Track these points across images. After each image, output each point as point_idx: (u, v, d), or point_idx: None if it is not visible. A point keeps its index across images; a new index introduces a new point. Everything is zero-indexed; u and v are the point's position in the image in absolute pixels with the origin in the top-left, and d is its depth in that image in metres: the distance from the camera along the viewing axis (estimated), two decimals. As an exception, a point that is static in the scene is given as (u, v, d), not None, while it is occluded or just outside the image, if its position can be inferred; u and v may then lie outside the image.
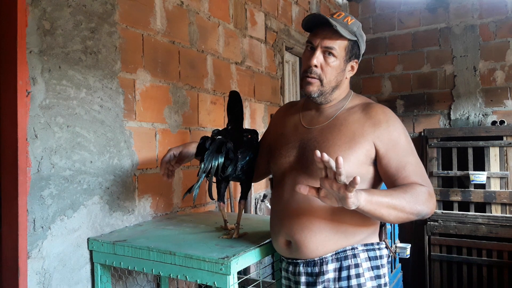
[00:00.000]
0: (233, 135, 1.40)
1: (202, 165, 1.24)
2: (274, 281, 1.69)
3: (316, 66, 1.24)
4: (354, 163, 1.19)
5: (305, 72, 1.26)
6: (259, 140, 1.50)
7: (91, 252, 1.48)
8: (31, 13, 1.31)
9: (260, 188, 2.73)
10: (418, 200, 1.10)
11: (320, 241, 1.21)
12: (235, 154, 1.32)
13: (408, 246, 2.97)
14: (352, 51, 1.27)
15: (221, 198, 1.45)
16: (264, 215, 2.67)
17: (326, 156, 0.92)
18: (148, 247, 1.33)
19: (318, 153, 0.93)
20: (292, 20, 3.16)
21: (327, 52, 1.23)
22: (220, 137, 1.33)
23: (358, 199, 0.99)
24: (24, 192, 1.28)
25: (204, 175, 1.24)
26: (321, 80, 1.25)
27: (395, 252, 2.92)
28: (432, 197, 1.14)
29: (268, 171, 1.52)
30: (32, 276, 1.30)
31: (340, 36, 1.21)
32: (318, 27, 1.25)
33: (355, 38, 1.25)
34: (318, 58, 1.23)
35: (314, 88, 1.26)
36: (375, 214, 1.06)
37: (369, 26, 4.03)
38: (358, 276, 1.21)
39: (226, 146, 1.30)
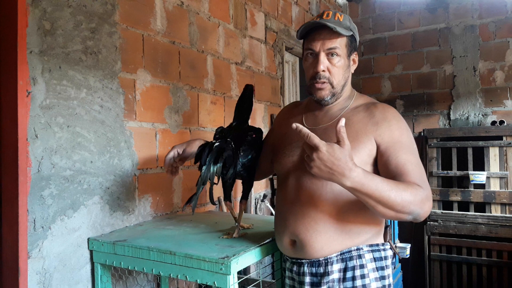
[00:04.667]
0: (236, 133, 1.40)
1: (200, 178, 1.23)
2: (274, 281, 1.69)
3: (323, 70, 1.24)
4: (357, 163, 1.18)
5: (313, 79, 1.26)
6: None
7: (91, 252, 1.49)
8: (31, 13, 1.31)
9: (260, 188, 2.74)
10: (415, 199, 1.06)
11: (325, 240, 1.21)
12: (235, 158, 1.32)
13: (408, 246, 2.97)
14: (352, 45, 1.28)
15: (227, 197, 1.45)
16: (264, 215, 2.67)
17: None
18: (148, 247, 1.34)
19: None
20: (292, 21, 3.16)
21: (330, 53, 1.23)
22: (218, 143, 1.30)
23: (351, 171, 0.98)
24: (25, 192, 1.28)
25: (203, 186, 1.24)
26: (331, 83, 1.25)
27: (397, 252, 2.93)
28: (429, 200, 1.10)
29: (270, 171, 1.52)
30: (32, 276, 1.30)
31: (339, 35, 1.22)
32: (312, 32, 1.25)
33: (352, 32, 1.26)
34: (323, 62, 1.23)
35: (326, 92, 1.26)
36: (363, 199, 1.04)
37: (369, 26, 4.04)
38: (363, 277, 1.21)
39: (223, 156, 1.28)
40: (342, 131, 0.99)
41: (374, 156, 1.21)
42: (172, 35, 1.94)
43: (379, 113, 1.23)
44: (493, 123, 3.44)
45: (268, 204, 2.71)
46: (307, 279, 1.25)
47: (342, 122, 1.00)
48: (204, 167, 1.24)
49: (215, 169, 1.26)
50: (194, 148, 1.43)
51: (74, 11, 1.46)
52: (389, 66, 3.94)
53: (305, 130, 0.96)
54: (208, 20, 2.20)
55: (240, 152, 1.33)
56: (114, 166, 1.61)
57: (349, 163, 0.98)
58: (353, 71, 1.33)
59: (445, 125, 3.70)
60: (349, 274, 1.21)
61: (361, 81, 4.07)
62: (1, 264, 1.31)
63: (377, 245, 1.26)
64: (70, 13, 1.44)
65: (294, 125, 0.97)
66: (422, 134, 3.68)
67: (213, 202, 1.31)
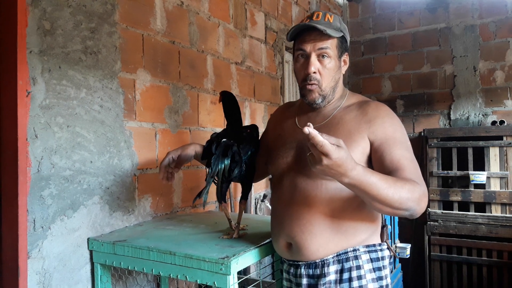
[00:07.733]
0: (232, 134, 1.40)
1: (210, 170, 1.24)
2: (274, 281, 1.68)
3: (314, 72, 1.23)
4: None
5: (304, 81, 1.26)
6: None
7: (91, 252, 1.48)
8: (31, 13, 1.31)
9: (260, 188, 2.73)
10: (413, 196, 1.05)
11: (321, 242, 1.21)
12: (241, 156, 1.32)
13: (408, 246, 2.97)
14: (342, 46, 1.27)
15: (223, 198, 1.45)
16: (264, 215, 2.67)
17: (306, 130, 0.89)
18: (148, 247, 1.34)
19: (306, 130, 0.88)
20: (292, 20, 3.16)
21: (321, 55, 1.23)
22: (225, 140, 1.32)
23: (352, 170, 0.94)
24: (24, 192, 1.28)
25: (212, 180, 1.25)
26: (320, 85, 1.25)
27: (395, 252, 2.92)
28: (425, 196, 1.09)
29: (266, 172, 1.52)
30: (32, 276, 1.30)
31: (329, 36, 1.21)
32: (302, 33, 1.25)
33: (342, 34, 1.25)
34: (314, 64, 1.23)
35: (316, 95, 1.26)
36: (359, 195, 1.04)
37: (369, 26, 4.03)
38: (359, 278, 1.21)
39: (232, 150, 1.30)
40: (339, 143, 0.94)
41: (368, 154, 1.20)
42: (172, 35, 1.93)
43: (372, 111, 1.23)
44: (493, 123, 3.44)
45: (268, 204, 2.71)
46: (304, 281, 1.25)
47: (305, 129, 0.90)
48: (213, 159, 1.25)
49: (224, 163, 1.26)
50: (189, 152, 1.42)
51: (74, 11, 1.45)
52: (389, 66, 3.94)
53: (319, 138, 0.89)
54: (208, 20, 2.20)
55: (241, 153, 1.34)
56: (114, 166, 1.61)
57: (351, 163, 0.95)
58: (344, 72, 1.32)
59: (445, 125, 3.70)
60: (345, 275, 1.21)
61: (361, 81, 4.06)
62: (1, 264, 1.31)
63: (374, 245, 1.25)
64: (70, 13, 1.44)
65: (306, 129, 0.88)
66: (422, 134, 3.68)
67: (224, 200, 1.31)
